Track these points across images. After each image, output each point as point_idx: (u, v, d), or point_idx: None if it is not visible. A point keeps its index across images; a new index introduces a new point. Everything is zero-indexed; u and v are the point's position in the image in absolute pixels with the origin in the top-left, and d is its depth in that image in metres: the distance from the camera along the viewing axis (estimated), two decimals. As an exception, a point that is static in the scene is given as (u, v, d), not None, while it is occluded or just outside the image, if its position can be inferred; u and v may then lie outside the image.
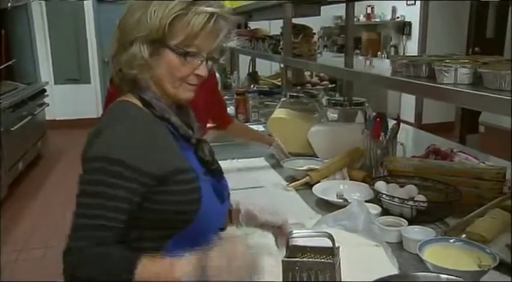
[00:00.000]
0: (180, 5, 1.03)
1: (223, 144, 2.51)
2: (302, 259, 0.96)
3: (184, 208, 1.05)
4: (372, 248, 1.38)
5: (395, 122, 1.98)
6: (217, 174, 1.18)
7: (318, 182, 1.88)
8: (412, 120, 6.03)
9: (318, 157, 2.14)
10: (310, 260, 0.95)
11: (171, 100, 1.12)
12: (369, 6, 7.16)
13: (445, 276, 1.03)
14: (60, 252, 0.94)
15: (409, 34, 6.61)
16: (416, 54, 4.27)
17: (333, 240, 0.97)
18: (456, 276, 1.05)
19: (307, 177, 1.90)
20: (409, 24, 6.64)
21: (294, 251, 0.98)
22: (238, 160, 2.26)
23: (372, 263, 1.30)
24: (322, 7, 2.67)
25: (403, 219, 1.49)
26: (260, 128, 2.76)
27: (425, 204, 1.54)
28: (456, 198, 1.57)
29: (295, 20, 2.51)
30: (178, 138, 1.10)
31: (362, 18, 7.28)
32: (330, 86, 3.47)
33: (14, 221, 3.85)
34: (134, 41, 1.04)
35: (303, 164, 2.06)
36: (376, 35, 6.54)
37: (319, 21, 4.26)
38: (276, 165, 2.16)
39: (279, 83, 3.85)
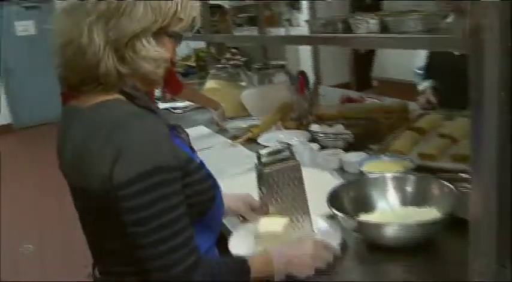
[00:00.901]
0: None
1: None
2: (276, 167, 1.22)
3: (202, 198, 1.03)
4: (320, 174, 1.70)
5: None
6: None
7: (259, 136, 2.18)
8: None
9: (253, 117, 2.43)
10: (283, 165, 1.23)
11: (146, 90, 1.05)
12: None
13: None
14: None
15: (299, 8, 7.06)
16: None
17: (291, 148, 1.28)
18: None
19: (249, 133, 2.19)
20: (299, -1, 7.10)
21: (265, 164, 1.24)
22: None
23: (323, 184, 1.61)
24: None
25: (339, 150, 1.84)
26: (189, 103, 2.99)
27: (353, 136, 1.91)
28: (375, 129, 1.96)
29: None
30: None
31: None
32: (242, 59, 3.76)
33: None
34: (138, 34, 0.95)
35: (242, 124, 2.35)
36: (270, 12, 6.95)
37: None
38: (218, 130, 2.42)
39: (192, 64, 4.08)
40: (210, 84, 2.66)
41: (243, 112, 2.51)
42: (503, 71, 0.77)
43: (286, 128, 2.23)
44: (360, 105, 2.25)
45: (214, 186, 1.08)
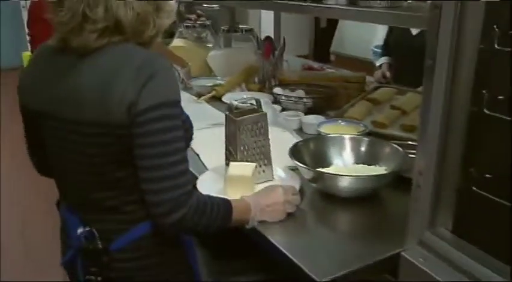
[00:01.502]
0: None
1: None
2: (246, 116, 1.36)
3: (186, 135, 1.12)
4: (280, 133, 1.81)
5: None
6: None
7: (223, 94, 2.27)
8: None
9: (218, 77, 2.51)
10: (252, 115, 1.37)
11: None
12: None
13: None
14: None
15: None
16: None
17: (259, 101, 1.40)
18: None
19: (214, 92, 2.28)
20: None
21: (236, 113, 1.37)
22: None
23: (283, 141, 1.73)
24: None
25: (299, 112, 1.97)
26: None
27: (313, 101, 2.03)
28: (333, 96, 2.09)
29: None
30: None
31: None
32: (206, 21, 3.78)
33: None
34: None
35: (207, 83, 2.42)
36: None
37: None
38: (183, 87, 2.48)
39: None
40: (176, 42, 2.71)
41: (208, 72, 2.58)
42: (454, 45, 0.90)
43: (250, 89, 2.33)
44: (321, 73, 2.38)
45: (192, 127, 1.20)
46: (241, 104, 1.46)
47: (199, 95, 2.32)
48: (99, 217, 1.11)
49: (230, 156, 1.38)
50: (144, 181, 1.01)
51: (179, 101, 1.03)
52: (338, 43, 4.91)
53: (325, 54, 4.92)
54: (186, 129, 1.15)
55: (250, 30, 2.76)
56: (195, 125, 1.90)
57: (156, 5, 1.06)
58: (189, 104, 2.24)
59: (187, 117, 1.19)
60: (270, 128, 1.77)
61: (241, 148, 1.35)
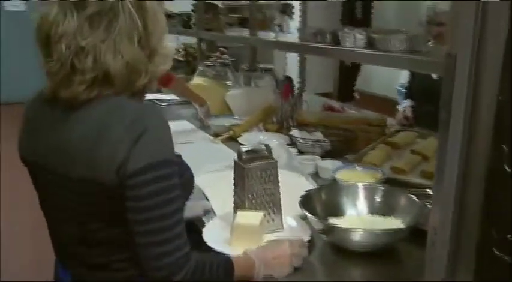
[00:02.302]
0: None
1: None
2: (255, 164, 1.31)
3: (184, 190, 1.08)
4: (295, 177, 1.76)
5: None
6: None
7: (240, 135, 2.23)
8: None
9: (236, 117, 2.49)
10: (262, 162, 1.31)
11: None
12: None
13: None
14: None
15: (291, 15, 7.15)
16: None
17: (269, 147, 1.35)
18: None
19: (231, 132, 2.24)
20: (291, 5, 7.20)
21: (244, 160, 1.32)
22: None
23: (297, 187, 1.67)
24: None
25: (316, 156, 1.91)
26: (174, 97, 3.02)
27: (331, 144, 1.98)
28: (352, 139, 2.03)
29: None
30: None
31: (246, -2, 7.68)
32: (229, 59, 3.81)
33: None
34: (161, 38, 1.04)
35: (225, 122, 2.40)
36: (261, 15, 7.03)
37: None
38: (200, 126, 2.46)
39: (180, 58, 4.11)
40: (196, 80, 2.72)
41: (227, 111, 2.56)
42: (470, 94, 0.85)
43: (267, 130, 2.30)
44: (341, 115, 2.33)
45: (192, 177, 1.14)
46: (255, 146, 1.41)
47: (216, 135, 2.29)
48: (89, 273, 1.07)
49: (238, 203, 1.33)
50: (141, 246, 0.95)
51: (173, 160, 0.97)
52: (363, 81, 4.88)
53: (350, 92, 4.88)
54: (186, 183, 1.10)
55: (269, 70, 2.76)
56: (209, 167, 1.89)
57: (149, 51, 1.01)
58: (205, 143, 2.23)
59: (188, 167, 1.14)
60: (284, 172, 1.74)
61: (250, 196, 1.29)
